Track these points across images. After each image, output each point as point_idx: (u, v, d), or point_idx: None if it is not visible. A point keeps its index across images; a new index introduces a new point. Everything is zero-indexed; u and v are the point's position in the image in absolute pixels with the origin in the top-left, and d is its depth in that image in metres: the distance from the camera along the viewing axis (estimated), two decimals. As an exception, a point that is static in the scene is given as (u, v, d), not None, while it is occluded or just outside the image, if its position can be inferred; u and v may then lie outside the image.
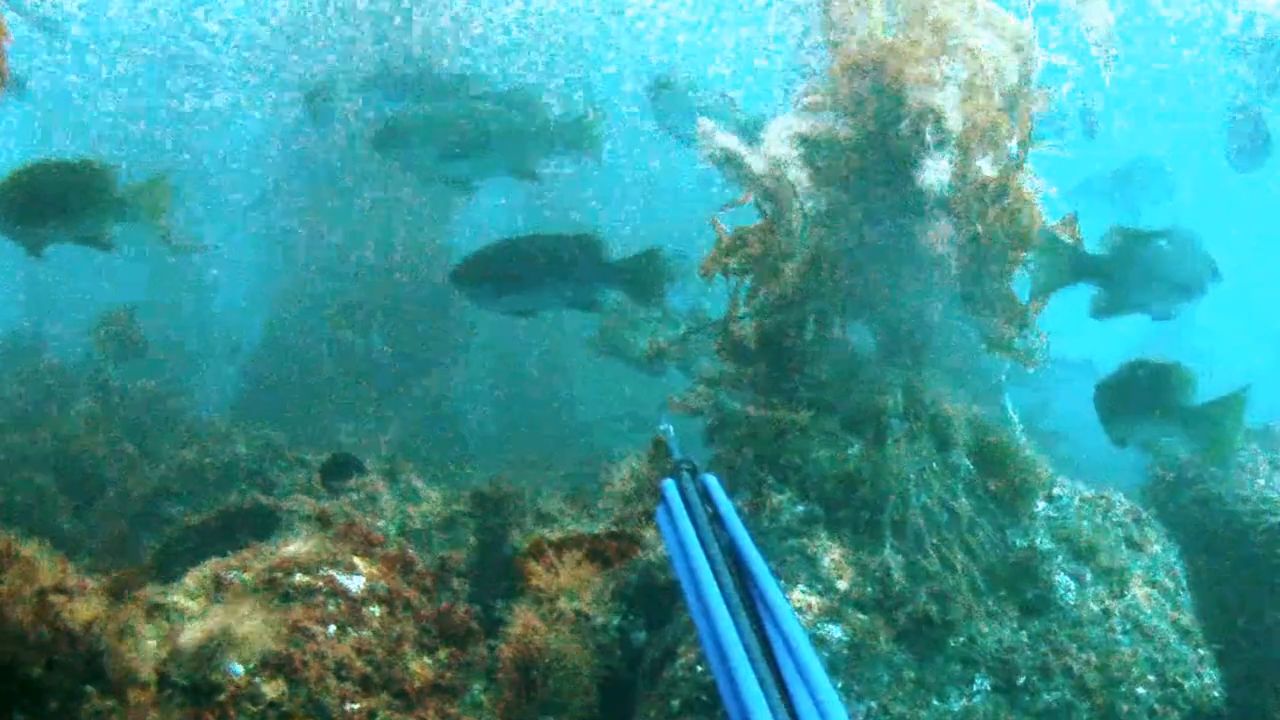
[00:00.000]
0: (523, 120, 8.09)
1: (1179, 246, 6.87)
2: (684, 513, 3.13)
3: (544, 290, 7.11)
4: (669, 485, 3.31)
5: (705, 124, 5.05)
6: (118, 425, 8.76)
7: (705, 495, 3.23)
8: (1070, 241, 5.92)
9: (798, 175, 4.89)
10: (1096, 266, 6.55)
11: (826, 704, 2.44)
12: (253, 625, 3.29)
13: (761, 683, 2.46)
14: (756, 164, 4.92)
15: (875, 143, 4.94)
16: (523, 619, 4.20)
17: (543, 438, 11.80)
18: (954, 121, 4.81)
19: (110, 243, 6.67)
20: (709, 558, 2.89)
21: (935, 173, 4.76)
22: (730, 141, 4.97)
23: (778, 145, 4.89)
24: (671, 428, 3.71)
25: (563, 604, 4.31)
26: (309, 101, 11.39)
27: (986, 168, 4.91)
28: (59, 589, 3.13)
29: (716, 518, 3.12)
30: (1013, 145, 4.97)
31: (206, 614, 3.34)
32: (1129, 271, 6.68)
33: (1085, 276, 6.77)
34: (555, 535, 4.86)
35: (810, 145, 4.96)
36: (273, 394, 11.57)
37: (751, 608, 2.73)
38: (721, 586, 2.77)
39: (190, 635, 3.23)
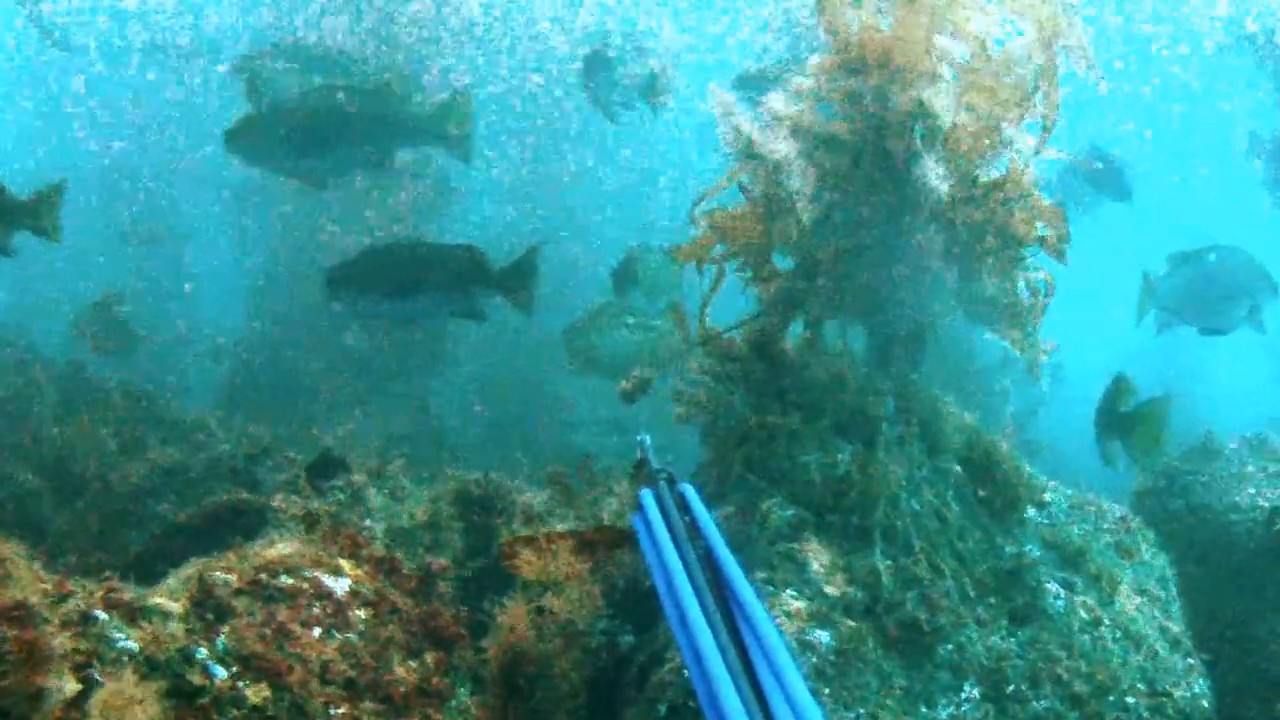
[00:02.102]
0: (379, 112, 7.87)
1: (1233, 264, 6.97)
2: (661, 522, 3.12)
3: (422, 298, 7.02)
4: (646, 495, 3.29)
5: (723, 98, 4.95)
6: (100, 420, 8.70)
7: (683, 505, 3.23)
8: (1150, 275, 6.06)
9: (800, 178, 4.83)
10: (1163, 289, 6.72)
11: (805, 712, 2.43)
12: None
13: (740, 694, 2.45)
14: (772, 159, 4.85)
15: (869, 140, 4.89)
16: (509, 621, 4.16)
17: (529, 440, 11.76)
18: (946, 118, 4.76)
19: (13, 250, 6.73)
20: (686, 567, 2.89)
21: (926, 172, 4.72)
22: (754, 131, 4.89)
23: (783, 142, 4.83)
24: (649, 438, 3.69)
25: (551, 602, 4.27)
26: (247, 81, 10.98)
27: (981, 166, 4.86)
28: (20, 608, 3.10)
29: (694, 527, 3.11)
30: (1024, 137, 4.89)
31: (109, 685, 3.24)
32: (1185, 290, 6.83)
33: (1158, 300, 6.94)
34: (545, 530, 4.82)
35: (806, 140, 4.91)
36: (255, 392, 11.50)
37: (729, 616, 2.72)
38: (699, 596, 2.76)
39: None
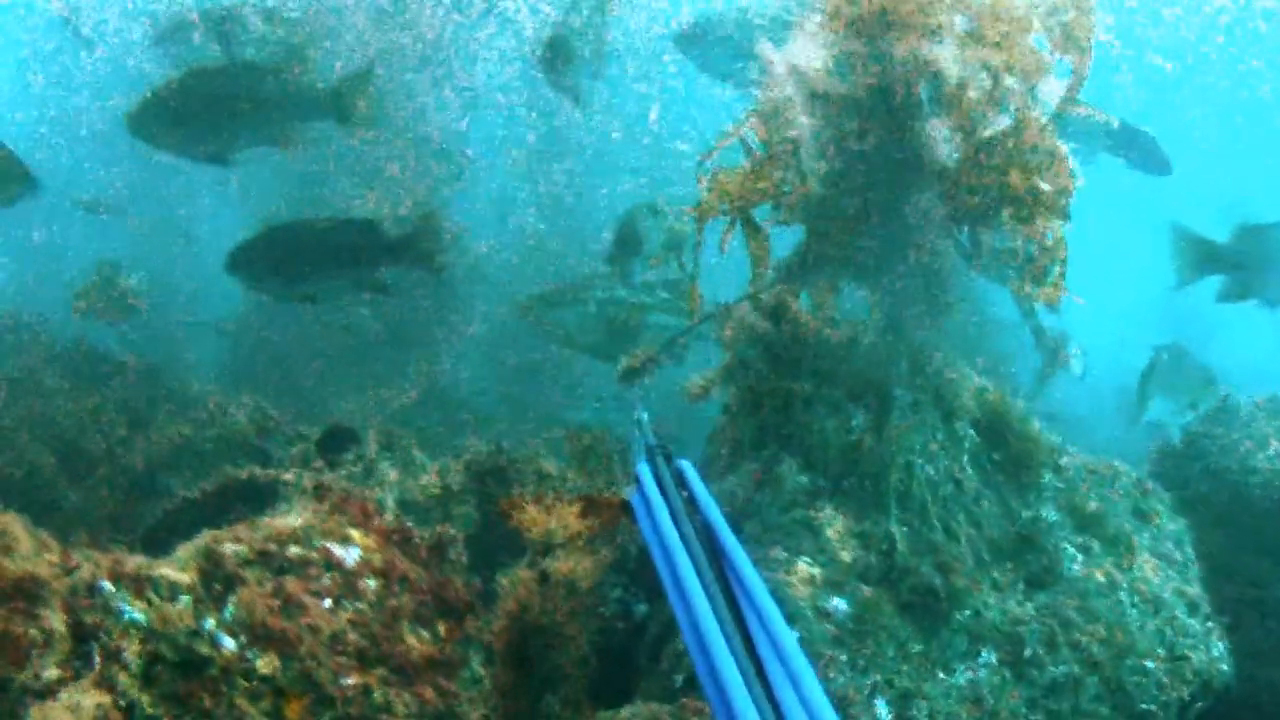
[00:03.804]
0: (276, 90, 7.67)
1: None
2: (659, 497, 3.12)
3: (325, 274, 6.96)
4: (643, 470, 3.29)
5: (771, 54, 4.83)
6: (109, 396, 8.68)
7: (680, 479, 3.22)
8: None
9: (811, 141, 4.76)
10: (1227, 258, 6.73)
11: (806, 687, 2.43)
12: None
13: (739, 666, 2.45)
14: (801, 125, 4.76)
15: (875, 100, 4.80)
16: (515, 588, 4.12)
17: (539, 413, 11.69)
18: (952, 75, 4.65)
19: None
20: (684, 542, 2.89)
21: (932, 134, 4.64)
22: (794, 91, 4.78)
23: (802, 111, 4.74)
24: (646, 414, 3.66)
25: (555, 566, 4.22)
26: (217, 35, 10.60)
27: (987, 123, 4.76)
28: (30, 580, 3.09)
29: (691, 501, 3.11)
30: (1046, 88, 4.77)
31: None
32: (1258, 262, 6.85)
33: (1217, 268, 6.96)
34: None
35: (815, 103, 4.83)
36: (262, 366, 11.42)
37: (728, 590, 2.73)
38: (698, 570, 2.76)
39: None
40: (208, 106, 7.49)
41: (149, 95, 7.61)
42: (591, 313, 8.94)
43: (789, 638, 2.54)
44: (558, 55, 9.44)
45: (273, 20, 10.36)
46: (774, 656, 2.50)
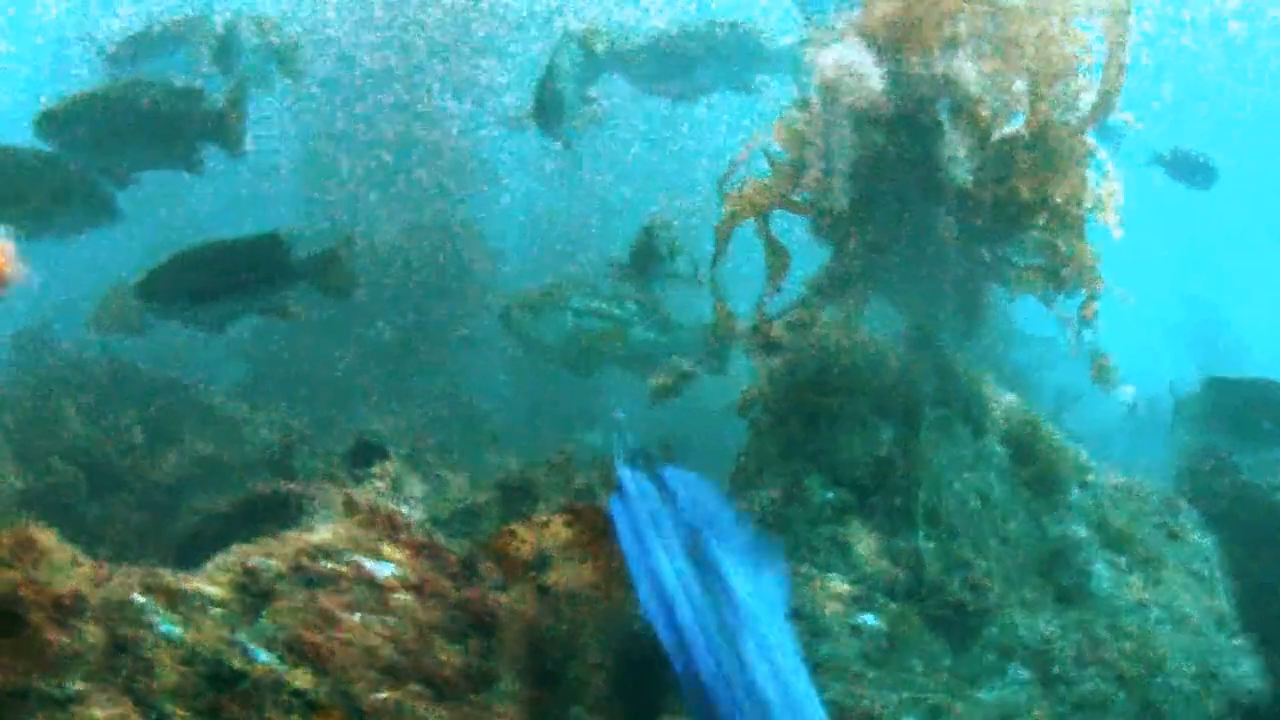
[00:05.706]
0: (172, 109, 7.52)
1: None
2: (640, 502, 3.13)
3: (233, 298, 6.92)
4: (624, 474, 3.30)
5: (825, 60, 4.79)
6: (129, 411, 8.67)
7: (663, 484, 3.24)
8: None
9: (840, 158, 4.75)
10: None
11: (785, 673, 2.45)
12: None
13: (717, 659, 2.48)
14: (831, 140, 4.75)
15: (900, 116, 4.79)
16: (518, 606, 4.12)
17: (555, 431, 11.64)
18: (974, 89, 4.63)
19: None
20: (664, 544, 2.91)
21: (951, 152, 4.63)
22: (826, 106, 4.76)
23: (834, 126, 4.72)
24: (624, 416, 3.67)
25: (555, 576, 4.20)
26: (217, 49, 10.53)
27: (1006, 128, 4.73)
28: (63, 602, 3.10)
29: (675, 505, 3.13)
30: (1073, 98, 4.73)
31: None
32: None
33: None
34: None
35: (847, 118, 4.81)
36: (283, 382, 11.40)
37: (712, 596, 2.74)
38: (678, 574, 2.78)
39: None
40: (104, 121, 7.48)
41: (57, 104, 7.63)
42: (569, 324, 8.76)
43: (774, 630, 2.56)
44: (546, 107, 9.39)
45: (263, 26, 10.30)
46: (754, 646, 2.51)
